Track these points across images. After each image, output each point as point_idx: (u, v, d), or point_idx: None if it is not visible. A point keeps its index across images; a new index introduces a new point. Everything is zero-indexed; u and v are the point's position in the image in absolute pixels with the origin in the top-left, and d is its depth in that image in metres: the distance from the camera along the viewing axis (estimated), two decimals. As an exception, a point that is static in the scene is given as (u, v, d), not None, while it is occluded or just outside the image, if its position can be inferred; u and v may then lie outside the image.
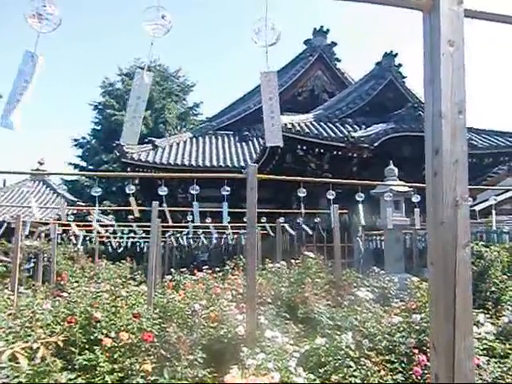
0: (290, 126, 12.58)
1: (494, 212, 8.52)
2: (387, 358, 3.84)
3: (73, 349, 3.84)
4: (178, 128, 35.90)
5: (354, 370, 3.54)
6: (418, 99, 15.50)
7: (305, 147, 12.91)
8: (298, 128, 12.76)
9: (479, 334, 4.14)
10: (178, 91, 38.71)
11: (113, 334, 4.00)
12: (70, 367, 3.61)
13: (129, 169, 17.84)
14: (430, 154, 1.61)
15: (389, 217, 7.97)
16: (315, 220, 11.14)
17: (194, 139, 20.74)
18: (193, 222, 6.22)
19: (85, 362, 3.63)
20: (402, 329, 4.33)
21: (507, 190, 13.44)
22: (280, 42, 1.82)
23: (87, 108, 37.49)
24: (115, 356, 3.76)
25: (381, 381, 3.46)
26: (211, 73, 65.55)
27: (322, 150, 13.13)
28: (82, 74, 61.28)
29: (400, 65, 15.63)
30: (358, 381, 3.45)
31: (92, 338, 4.02)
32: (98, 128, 35.57)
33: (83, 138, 35.91)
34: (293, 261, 7.35)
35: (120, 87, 35.91)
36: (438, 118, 1.56)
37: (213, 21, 61.42)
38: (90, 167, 33.02)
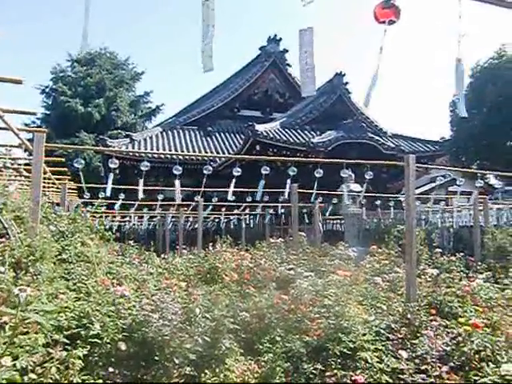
0: (265, 133, 15.67)
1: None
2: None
3: None
4: (131, 116, 37.52)
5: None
6: (359, 110, 19.34)
7: (275, 150, 16.05)
8: (272, 135, 15.88)
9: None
10: (129, 79, 39.77)
11: None
12: None
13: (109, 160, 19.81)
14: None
15: (348, 207, 11.50)
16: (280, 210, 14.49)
17: (164, 133, 23.08)
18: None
19: None
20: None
21: (422, 186, 17.75)
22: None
23: (33, 92, 37.26)
24: None
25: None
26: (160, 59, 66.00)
27: (287, 152, 16.36)
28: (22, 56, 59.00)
29: (347, 83, 19.32)
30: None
31: None
32: (48, 113, 35.97)
33: (33, 122, 36.08)
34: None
35: (70, 74, 36.48)
36: None
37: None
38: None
